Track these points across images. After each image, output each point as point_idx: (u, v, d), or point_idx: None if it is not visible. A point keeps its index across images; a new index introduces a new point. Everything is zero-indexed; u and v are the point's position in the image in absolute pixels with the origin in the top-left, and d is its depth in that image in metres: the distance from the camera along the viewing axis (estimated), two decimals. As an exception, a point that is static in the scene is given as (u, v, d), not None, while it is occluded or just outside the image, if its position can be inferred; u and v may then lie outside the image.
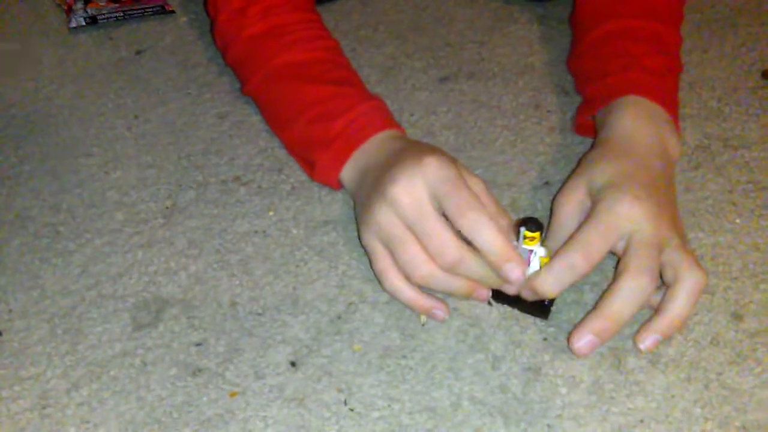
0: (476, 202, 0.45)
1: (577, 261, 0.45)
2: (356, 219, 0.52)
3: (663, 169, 0.52)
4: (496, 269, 0.45)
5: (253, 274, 0.52)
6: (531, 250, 0.47)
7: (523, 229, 0.46)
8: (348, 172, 0.54)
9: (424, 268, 0.46)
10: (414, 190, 0.45)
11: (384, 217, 0.46)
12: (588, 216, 0.47)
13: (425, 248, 0.45)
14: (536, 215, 0.56)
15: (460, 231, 0.45)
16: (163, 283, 0.51)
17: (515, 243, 0.47)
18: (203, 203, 0.57)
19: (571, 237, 0.47)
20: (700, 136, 0.62)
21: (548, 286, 0.46)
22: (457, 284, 0.47)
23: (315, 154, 0.55)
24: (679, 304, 0.46)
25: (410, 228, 0.46)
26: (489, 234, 0.44)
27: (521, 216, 0.56)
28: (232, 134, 0.62)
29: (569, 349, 0.46)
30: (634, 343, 0.47)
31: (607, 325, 0.45)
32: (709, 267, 0.52)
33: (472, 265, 0.45)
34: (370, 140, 0.53)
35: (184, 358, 0.47)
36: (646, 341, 0.46)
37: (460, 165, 0.49)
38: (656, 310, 0.47)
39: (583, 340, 0.45)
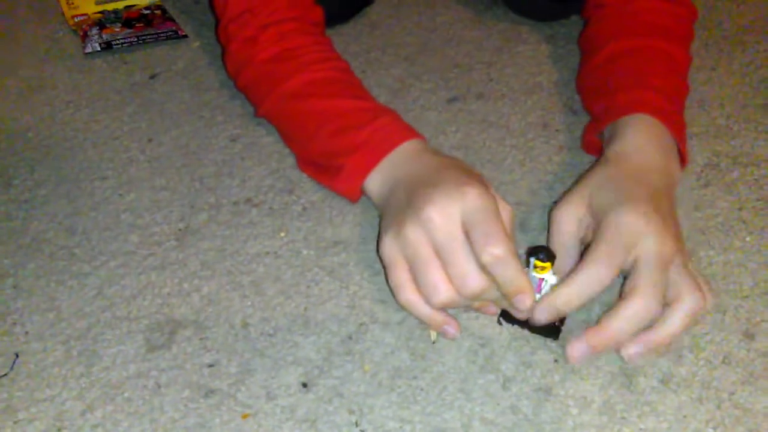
0: (502, 237, 0.45)
1: (601, 274, 0.45)
2: (380, 228, 0.52)
3: (665, 188, 0.52)
4: (507, 299, 0.46)
5: (265, 295, 0.52)
6: (542, 278, 0.47)
7: (533, 259, 0.47)
8: (375, 182, 0.54)
9: (444, 295, 0.46)
10: (450, 214, 0.45)
11: (414, 235, 0.46)
12: (596, 234, 0.47)
13: (448, 274, 0.46)
14: (545, 234, 0.56)
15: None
16: (176, 305, 0.52)
17: (525, 269, 0.47)
18: (215, 225, 0.57)
19: (585, 256, 0.47)
20: (709, 154, 0.63)
21: (570, 303, 0.46)
22: (470, 304, 0.48)
23: (340, 160, 0.56)
24: (673, 323, 0.46)
25: (437, 251, 0.46)
26: (506, 271, 0.45)
27: (529, 234, 0.56)
28: (243, 156, 0.63)
29: (565, 356, 0.47)
30: (616, 350, 0.47)
31: (606, 342, 0.46)
32: (720, 285, 0.52)
33: (490, 293, 0.46)
34: (397, 150, 0.53)
35: (196, 380, 0.47)
36: (630, 350, 0.46)
37: (494, 192, 0.49)
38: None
39: (579, 352, 0.46)
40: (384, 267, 0.49)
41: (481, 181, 0.48)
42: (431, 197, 0.46)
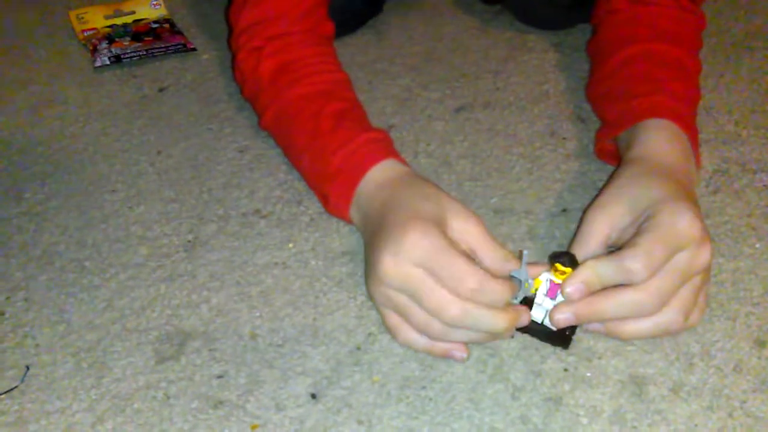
0: (466, 268, 0.44)
1: (637, 268, 0.44)
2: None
3: (693, 190, 0.52)
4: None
5: (273, 306, 0.52)
6: (560, 284, 0.46)
7: (545, 273, 0.47)
8: (354, 215, 0.55)
9: (436, 326, 0.46)
10: (400, 265, 0.45)
11: (379, 294, 0.48)
12: (645, 227, 0.46)
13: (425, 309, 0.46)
14: (554, 242, 0.56)
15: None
16: (185, 316, 0.52)
17: (519, 271, 0.47)
18: (224, 236, 0.58)
19: (630, 243, 0.45)
20: (718, 160, 0.62)
21: (596, 280, 0.45)
22: (471, 335, 0.46)
23: (325, 188, 0.56)
24: (640, 329, 0.47)
25: (408, 295, 0.46)
26: (489, 295, 0.44)
27: (537, 242, 0.56)
28: (252, 168, 0.64)
29: (550, 316, 0.47)
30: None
31: (590, 318, 0.46)
32: (730, 293, 0.52)
33: (477, 315, 0.45)
34: (365, 179, 0.53)
35: (205, 391, 0.47)
36: (591, 326, 0.48)
37: (453, 210, 0.48)
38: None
39: (562, 315, 0.46)
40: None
41: (427, 213, 0.47)
42: (380, 253, 0.46)
